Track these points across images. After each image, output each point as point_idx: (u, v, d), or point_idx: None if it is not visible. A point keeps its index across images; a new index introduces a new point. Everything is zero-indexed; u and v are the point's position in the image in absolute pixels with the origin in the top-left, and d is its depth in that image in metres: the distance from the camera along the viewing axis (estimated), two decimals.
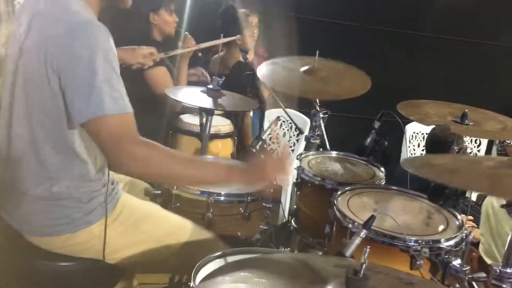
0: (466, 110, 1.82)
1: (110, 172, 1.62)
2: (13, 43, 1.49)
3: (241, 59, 3.17)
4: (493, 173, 1.16)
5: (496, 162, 1.22)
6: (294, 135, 3.93)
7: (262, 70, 2.30)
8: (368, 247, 0.95)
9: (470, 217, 2.32)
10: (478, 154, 4.26)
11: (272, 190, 1.86)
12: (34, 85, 1.42)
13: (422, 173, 1.23)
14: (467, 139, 4.23)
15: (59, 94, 1.39)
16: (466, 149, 1.87)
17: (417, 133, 4.09)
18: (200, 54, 2.91)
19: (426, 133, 4.04)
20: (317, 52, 2.25)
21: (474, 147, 4.27)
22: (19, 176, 1.50)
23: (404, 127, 3.79)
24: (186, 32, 2.85)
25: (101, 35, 1.38)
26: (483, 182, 1.14)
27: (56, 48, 1.36)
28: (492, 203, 2.27)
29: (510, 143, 3.94)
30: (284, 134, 3.97)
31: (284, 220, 2.38)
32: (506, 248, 1.21)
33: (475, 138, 4.23)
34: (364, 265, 0.91)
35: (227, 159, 2.56)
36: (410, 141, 4.06)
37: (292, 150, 3.90)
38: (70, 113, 1.39)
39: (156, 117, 2.70)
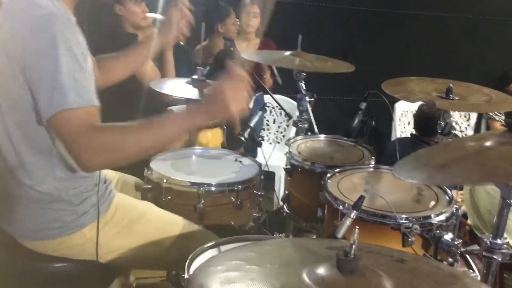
0: (451, 85, 1.81)
1: (102, 171, 1.61)
2: None
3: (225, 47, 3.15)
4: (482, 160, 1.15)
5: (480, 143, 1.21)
6: (284, 120, 3.93)
7: (245, 54, 2.31)
8: (357, 227, 0.95)
9: (461, 191, 2.34)
10: (468, 128, 4.29)
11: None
12: (4, 83, 1.39)
13: (415, 178, 1.23)
14: (456, 114, 4.25)
15: (27, 90, 1.36)
16: (452, 124, 1.87)
17: (407, 111, 4.10)
18: (181, 43, 2.87)
19: (416, 111, 4.06)
20: (300, 36, 2.25)
21: (463, 121, 4.30)
22: (6, 180, 1.48)
23: (393, 106, 3.82)
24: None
25: (64, 27, 1.34)
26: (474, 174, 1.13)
27: (19, 43, 1.33)
28: None
29: (492, 116, 3.96)
30: (274, 120, 3.98)
31: (279, 206, 2.39)
32: (495, 219, 1.22)
33: (464, 113, 4.25)
34: (353, 245, 0.92)
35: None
36: (400, 119, 4.07)
37: (283, 136, 3.90)
38: (37, 110, 1.35)
39: (145, 110, 2.68)
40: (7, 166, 1.47)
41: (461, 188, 2.35)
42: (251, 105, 3.35)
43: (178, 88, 2.33)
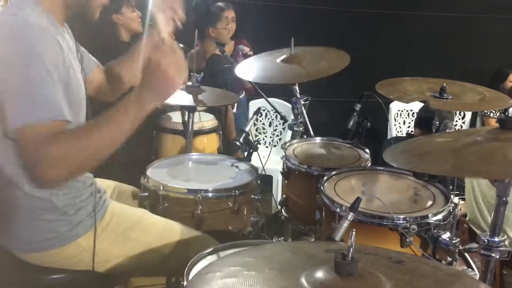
0: (444, 84, 1.82)
1: (96, 179, 1.61)
2: None
3: (217, 52, 3.16)
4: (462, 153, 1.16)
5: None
6: (280, 124, 3.94)
7: (240, 69, 2.31)
8: (353, 230, 0.95)
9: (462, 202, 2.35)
10: (463, 126, 4.30)
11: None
12: None
13: (396, 162, 1.24)
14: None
15: None
16: (448, 124, 1.87)
17: (402, 111, 4.12)
18: (181, 45, 2.88)
19: (411, 110, 4.08)
20: (292, 39, 2.25)
21: (459, 119, 4.31)
22: (3, 191, 1.47)
23: (388, 107, 3.83)
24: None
25: (39, 38, 1.30)
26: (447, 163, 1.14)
27: None
28: None
29: (487, 113, 3.98)
30: (270, 123, 3.98)
31: (277, 210, 2.39)
32: (492, 218, 1.23)
33: (459, 111, 4.26)
34: (351, 248, 0.92)
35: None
36: (395, 119, 4.09)
37: (279, 139, 3.91)
38: (4, 122, 1.30)
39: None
40: (2, 179, 1.45)
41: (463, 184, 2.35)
42: (235, 109, 3.37)
43: (173, 95, 2.32)
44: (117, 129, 1.31)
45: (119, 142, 1.32)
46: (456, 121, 4.30)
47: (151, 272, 1.73)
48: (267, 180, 3.20)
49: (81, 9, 1.49)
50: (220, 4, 3.38)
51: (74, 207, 1.51)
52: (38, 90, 1.26)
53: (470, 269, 1.59)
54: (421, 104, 2.56)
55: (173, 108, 2.81)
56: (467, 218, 2.41)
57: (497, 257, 1.23)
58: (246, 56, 3.28)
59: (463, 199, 2.44)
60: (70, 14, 1.49)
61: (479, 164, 1.08)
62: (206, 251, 1.41)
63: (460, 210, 2.25)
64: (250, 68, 2.30)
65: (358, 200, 1.37)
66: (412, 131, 3.18)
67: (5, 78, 1.28)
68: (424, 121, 2.83)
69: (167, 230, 1.68)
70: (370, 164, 2.01)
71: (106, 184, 1.84)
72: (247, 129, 2.13)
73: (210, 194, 1.81)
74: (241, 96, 3.45)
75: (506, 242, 1.28)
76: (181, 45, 2.87)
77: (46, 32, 1.35)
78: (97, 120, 1.32)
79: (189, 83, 2.32)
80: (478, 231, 2.29)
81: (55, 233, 1.49)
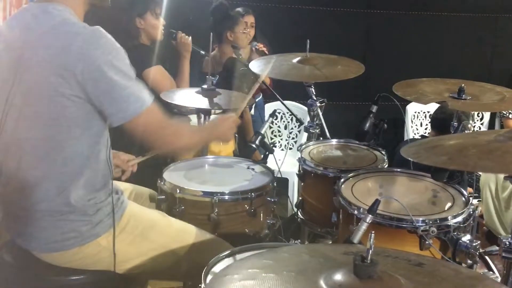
0: (463, 85, 1.80)
1: (114, 182, 1.63)
2: (6, 58, 1.48)
3: (233, 55, 3.16)
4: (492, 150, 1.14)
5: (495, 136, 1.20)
6: (295, 126, 3.93)
7: (255, 64, 2.32)
8: (372, 232, 0.94)
9: (470, 189, 2.30)
10: (481, 127, 4.24)
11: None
12: (43, 100, 1.42)
13: (422, 159, 1.22)
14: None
15: (76, 104, 1.41)
16: (467, 125, 1.84)
17: (418, 113, 4.07)
18: (202, 52, 2.89)
19: (428, 112, 4.04)
20: (308, 41, 2.25)
21: (477, 120, 4.25)
22: (27, 194, 1.49)
23: (405, 109, 3.80)
24: (180, 31, 2.82)
25: (110, 38, 1.43)
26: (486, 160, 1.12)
27: (79, 60, 1.37)
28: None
29: (506, 114, 3.92)
30: (286, 126, 3.97)
31: (293, 212, 2.38)
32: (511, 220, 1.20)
33: (477, 112, 4.20)
34: (370, 250, 0.91)
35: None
36: (412, 121, 4.05)
37: (295, 142, 3.90)
38: (109, 118, 1.45)
39: None
40: (34, 181, 1.48)
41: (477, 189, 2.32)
42: (252, 111, 3.37)
43: (189, 98, 2.34)
44: (198, 138, 1.82)
45: (194, 148, 2.14)
46: (475, 122, 4.24)
47: (167, 274, 1.73)
48: (282, 182, 3.19)
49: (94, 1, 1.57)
50: (239, 9, 3.39)
51: (94, 208, 1.53)
52: (132, 81, 1.46)
53: (491, 272, 1.57)
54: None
55: (189, 111, 2.82)
56: (484, 221, 2.38)
57: None
58: (259, 52, 3.28)
59: (480, 201, 2.40)
60: (86, 9, 1.54)
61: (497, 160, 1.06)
62: (223, 254, 1.41)
63: (480, 212, 2.21)
64: (264, 65, 2.30)
65: (377, 202, 1.36)
66: (428, 133, 3.14)
67: (104, 79, 1.40)
68: (440, 123, 2.80)
69: (183, 232, 1.69)
70: (387, 166, 1.99)
71: (123, 187, 1.85)
72: (262, 132, 2.13)
73: (226, 197, 1.81)
74: (257, 99, 3.45)
75: None
76: (202, 52, 2.90)
77: (103, 30, 1.45)
78: (195, 127, 1.94)
79: (205, 86, 2.33)
80: (495, 234, 2.26)
81: (76, 232, 1.51)
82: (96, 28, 1.43)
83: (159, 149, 1.72)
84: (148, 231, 1.63)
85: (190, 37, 2.83)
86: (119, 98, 1.42)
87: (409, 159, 1.22)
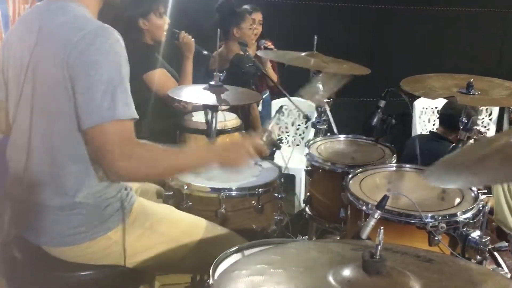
0: (471, 80, 1.78)
1: None
2: (20, 51, 1.49)
3: (240, 52, 3.16)
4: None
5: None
6: (302, 122, 3.92)
7: (262, 52, 2.32)
8: (381, 228, 0.93)
9: None
10: (490, 123, 4.22)
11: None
12: (52, 94, 1.43)
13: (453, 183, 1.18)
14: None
15: (72, 98, 1.40)
16: (475, 120, 1.83)
17: (426, 108, 4.05)
18: (205, 52, 2.89)
19: (436, 108, 4.01)
20: (315, 37, 2.24)
21: (486, 116, 4.22)
22: (38, 189, 1.50)
23: (412, 104, 3.78)
24: (183, 31, 2.82)
25: (114, 40, 1.40)
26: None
27: (72, 54, 1.37)
28: None
29: None
30: (293, 122, 3.96)
31: (300, 209, 2.38)
32: None
33: (485, 108, 4.17)
34: (379, 246, 0.90)
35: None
36: (420, 117, 4.03)
37: (302, 138, 3.89)
38: (79, 118, 1.39)
39: (163, 118, 2.70)
40: (45, 177, 1.49)
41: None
42: (260, 107, 3.37)
43: (196, 94, 2.33)
44: (186, 163, 1.51)
45: (181, 173, 1.66)
46: (483, 118, 4.21)
47: (175, 268, 1.74)
48: (289, 179, 3.19)
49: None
50: (247, 6, 3.38)
51: (104, 203, 1.53)
52: (118, 89, 1.37)
53: (500, 268, 1.56)
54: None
55: (196, 107, 2.82)
56: (493, 216, 2.36)
57: None
58: (267, 49, 3.28)
59: (490, 195, 2.38)
60: (100, 7, 1.55)
61: None
62: (231, 250, 1.41)
63: (490, 207, 2.20)
64: (272, 52, 2.29)
65: (385, 197, 1.35)
66: (436, 129, 3.12)
67: (88, 77, 1.36)
68: (448, 118, 2.79)
69: (193, 226, 1.70)
70: (395, 161, 1.98)
71: (130, 183, 1.86)
72: (269, 128, 2.12)
73: (233, 193, 1.82)
74: (264, 96, 3.44)
75: None
76: (205, 52, 2.89)
77: (115, 31, 1.43)
78: (178, 149, 1.56)
79: (212, 82, 2.33)
80: (506, 230, 2.24)
81: (86, 226, 1.52)
82: (102, 26, 1.42)
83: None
84: (157, 224, 1.63)
85: (193, 39, 2.82)
86: (95, 100, 1.36)
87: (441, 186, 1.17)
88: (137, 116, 1.41)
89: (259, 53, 2.31)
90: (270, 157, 2.15)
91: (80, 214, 1.51)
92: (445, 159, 1.19)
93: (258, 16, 3.38)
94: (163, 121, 2.67)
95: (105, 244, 1.55)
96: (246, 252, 1.43)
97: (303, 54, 2.31)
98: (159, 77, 2.65)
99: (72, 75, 1.37)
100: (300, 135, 3.94)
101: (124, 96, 1.38)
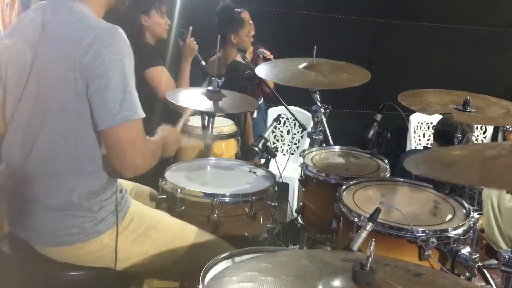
0: (468, 97, 1.80)
1: (118, 180, 1.63)
2: (22, 50, 1.49)
3: (237, 58, 3.17)
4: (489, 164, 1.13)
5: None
6: (298, 131, 3.93)
7: (261, 69, 2.32)
8: (373, 240, 0.94)
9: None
10: (484, 140, 4.24)
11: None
12: (57, 92, 1.43)
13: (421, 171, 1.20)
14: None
15: (84, 99, 1.41)
16: (470, 137, 1.84)
17: (422, 123, 4.07)
18: (203, 62, 2.90)
19: (431, 123, 4.04)
20: (315, 47, 2.25)
21: (480, 133, 4.25)
22: (33, 186, 1.50)
23: (408, 119, 3.80)
24: (190, 29, 2.82)
25: (124, 39, 1.43)
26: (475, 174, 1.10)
27: (86, 54, 1.38)
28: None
29: (509, 128, 3.91)
30: (288, 131, 3.97)
31: (293, 218, 2.38)
32: None
33: (480, 125, 4.20)
34: (370, 258, 0.91)
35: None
36: (415, 132, 4.05)
37: (297, 147, 3.90)
38: (96, 119, 1.41)
39: (161, 119, 2.70)
40: (38, 174, 1.49)
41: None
42: (255, 114, 3.37)
43: (193, 99, 2.34)
44: (160, 153, 1.66)
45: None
46: (477, 135, 4.24)
47: (166, 274, 1.74)
48: (283, 187, 3.19)
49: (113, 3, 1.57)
50: (237, 9, 3.38)
51: (98, 205, 1.53)
52: (133, 89, 1.42)
53: (489, 286, 1.56)
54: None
55: (193, 112, 2.82)
56: (484, 234, 2.37)
57: None
58: (266, 59, 3.29)
59: (481, 214, 2.39)
60: (106, 10, 1.56)
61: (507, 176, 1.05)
62: (222, 256, 1.41)
63: (481, 225, 2.21)
64: (270, 70, 2.32)
65: (377, 210, 1.35)
66: (431, 144, 3.14)
67: (104, 77, 1.38)
68: (442, 134, 2.80)
69: (184, 232, 1.70)
70: (389, 175, 1.99)
71: (124, 184, 1.85)
72: (266, 135, 2.13)
73: (227, 199, 1.81)
74: (259, 102, 3.45)
75: None
76: (203, 63, 2.90)
77: (123, 31, 1.46)
78: (156, 138, 1.70)
79: (210, 88, 2.33)
80: (495, 247, 2.25)
81: (79, 228, 1.51)
82: (112, 26, 1.43)
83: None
84: (150, 230, 1.63)
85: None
86: (113, 100, 1.38)
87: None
88: (144, 114, 1.45)
89: (258, 73, 2.31)
90: (265, 165, 2.15)
91: (72, 215, 1.50)
92: (430, 151, 1.19)
93: (245, 15, 3.39)
94: (160, 123, 2.67)
95: (97, 246, 1.54)
96: (237, 259, 1.43)
97: (301, 66, 2.31)
98: (158, 74, 2.66)
99: (87, 75, 1.38)
100: (295, 144, 3.95)
101: (136, 95, 1.43)
